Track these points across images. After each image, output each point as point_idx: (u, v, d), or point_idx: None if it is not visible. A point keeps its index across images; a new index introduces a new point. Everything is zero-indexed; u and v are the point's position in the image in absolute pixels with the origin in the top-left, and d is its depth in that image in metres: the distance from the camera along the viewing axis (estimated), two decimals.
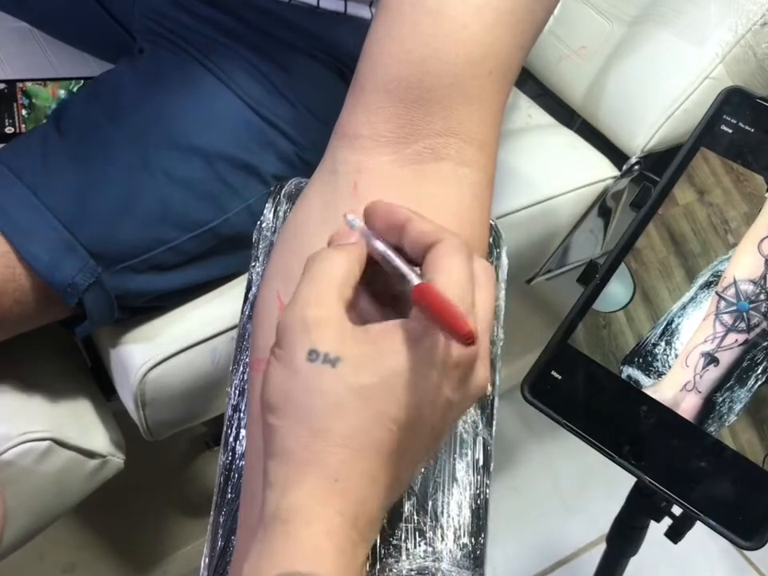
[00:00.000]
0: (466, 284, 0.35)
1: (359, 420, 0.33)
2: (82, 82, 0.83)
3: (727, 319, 0.49)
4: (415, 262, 0.37)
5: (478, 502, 0.48)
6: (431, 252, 0.36)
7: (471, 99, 0.45)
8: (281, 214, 0.55)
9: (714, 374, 0.48)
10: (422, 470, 0.47)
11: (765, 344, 0.48)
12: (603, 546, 0.70)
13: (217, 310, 0.70)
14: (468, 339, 0.32)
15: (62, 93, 0.82)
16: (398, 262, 0.37)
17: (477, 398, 0.37)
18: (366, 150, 0.45)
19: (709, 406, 0.48)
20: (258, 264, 0.53)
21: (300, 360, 0.33)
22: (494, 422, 0.50)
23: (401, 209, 0.38)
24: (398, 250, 0.38)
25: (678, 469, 0.47)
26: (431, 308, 0.33)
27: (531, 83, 0.97)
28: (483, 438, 0.49)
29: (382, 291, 0.40)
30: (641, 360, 0.50)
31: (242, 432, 0.48)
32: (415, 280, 0.35)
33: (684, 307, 0.50)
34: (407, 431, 0.34)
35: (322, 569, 0.31)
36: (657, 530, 0.60)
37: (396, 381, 0.33)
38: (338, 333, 0.34)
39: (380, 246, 0.38)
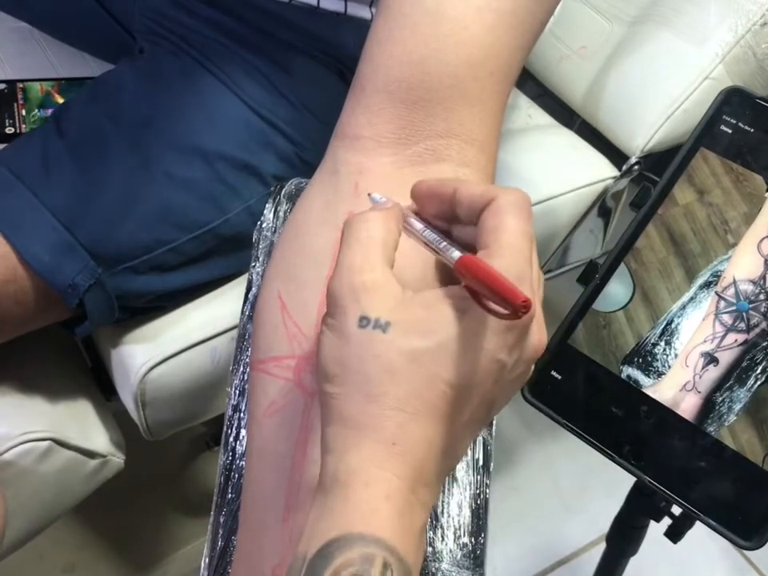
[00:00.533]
0: (522, 241, 0.34)
1: (413, 383, 0.33)
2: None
3: (727, 319, 0.49)
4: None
5: (478, 501, 0.48)
6: (483, 215, 0.35)
7: (472, 100, 0.45)
8: (281, 214, 0.55)
9: (713, 373, 0.48)
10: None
11: (764, 344, 0.48)
12: (603, 546, 0.70)
13: (217, 310, 0.70)
14: (525, 307, 0.31)
15: (51, 90, 0.82)
16: (434, 235, 0.36)
17: (532, 361, 0.37)
18: (367, 150, 0.45)
19: (708, 406, 0.48)
20: (258, 264, 0.53)
21: (352, 327, 0.33)
22: (494, 422, 0.50)
23: (447, 180, 0.38)
24: (446, 232, 0.38)
25: (677, 469, 0.47)
26: (477, 279, 0.32)
27: (531, 83, 0.97)
28: (483, 438, 0.49)
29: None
30: (640, 360, 0.50)
31: (242, 432, 0.48)
32: (456, 252, 0.35)
33: (684, 307, 0.50)
34: (461, 394, 0.34)
35: (380, 531, 0.31)
36: (657, 529, 0.60)
37: (449, 343, 0.33)
38: (387, 297, 0.34)
39: (416, 224, 0.38)
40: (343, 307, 0.34)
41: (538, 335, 0.36)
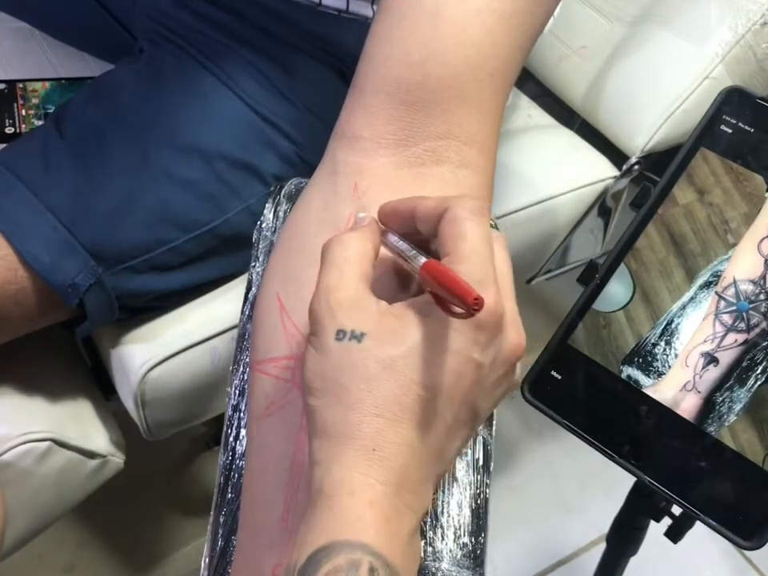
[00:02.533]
0: (481, 244, 0.35)
1: (389, 389, 0.34)
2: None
3: (727, 319, 0.49)
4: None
5: (478, 501, 0.48)
6: (440, 225, 0.36)
7: (471, 102, 0.45)
8: (281, 214, 0.55)
9: (713, 373, 0.48)
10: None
11: (764, 344, 0.48)
12: (603, 546, 0.70)
13: (217, 310, 0.70)
14: (476, 304, 0.32)
15: (52, 92, 0.82)
16: (406, 245, 0.38)
17: (511, 361, 0.37)
18: (366, 151, 0.45)
19: (709, 406, 0.48)
20: (258, 264, 0.53)
21: (330, 341, 0.35)
22: (494, 422, 0.50)
23: (407, 199, 0.39)
24: (425, 245, 0.39)
25: (677, 469, 0.47)
26: (436, 282, 0.33)
27: (531, 83, 0.97)
28: (483, 438, 0.49)
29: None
30: (641, 360, 0.50)
31: (242, 432, 0.48)
32: (421, 260, 0.36)
33: (684, 307, 0.50)
34: (437, 396, 0.34)
35: (365, 536, 0.32)
36: (657, 529, 0.60)
37: (421, 347, 0.34)
38: (361, 310, 0.35)
39: (391, 237, 0.39)
40: (322, 324, 0.35)
41: (516, 334, 0.37)
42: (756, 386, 0.47)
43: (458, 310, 0.33)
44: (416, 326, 0.35)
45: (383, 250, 0.40)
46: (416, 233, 0.39)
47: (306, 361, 0.36)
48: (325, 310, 0.35)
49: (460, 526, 0.47)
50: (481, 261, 0.35)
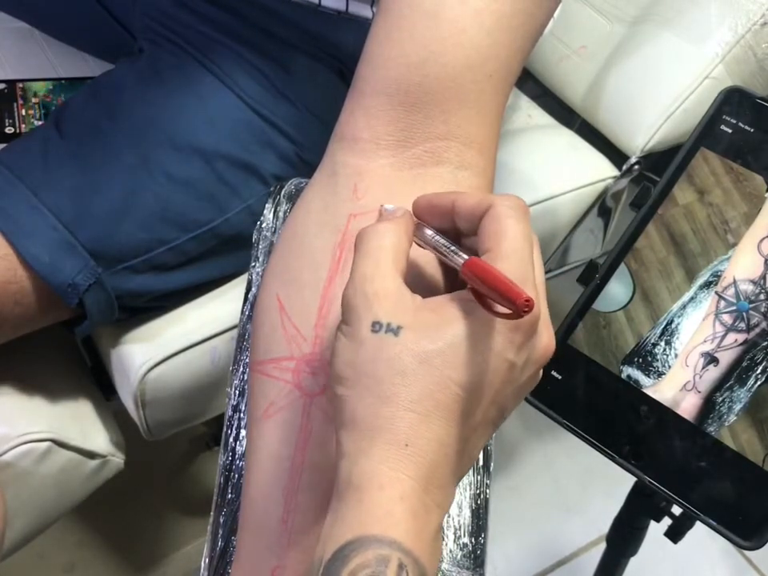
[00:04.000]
0: (522, 242, 0.35)
1: (424, 385, 0.33)
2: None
3: (727, 319, 0.49)
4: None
5: (478, 501, 0.48)
6: (482, 221, 0.36)
7: (471, 103, 0.45)
8: (281, 214, 0.55)
9: (713, 373, 0.48)
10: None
11: (764, 344, 0.48)
12: (603, 546, 0.70)
13: (217, 310, 0.70)
14: (527, 306, 0.32)
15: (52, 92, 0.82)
16: (445, 241, 0.38)
17: (542, 362, 0.37)
18: (365, 153, 0.45)
19: (709, 406, 0.48)
20: (258, 264, 0.53)
21: (365, 332, 0.34)
22: None
23: (444, 194, 0.39)
24: (456, 241, 0.39)
25: (677, 469, 0.47)
26: (482, 281, 0.33)
27: (531, 83, 0.97)
28: None
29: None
30: (641, 360, 0.50)
31: (242, 432, 0.48)
32: (463, 256, 0.36)
33: (684, 307, 0.50)
34: (472, 394, 0.34)
35: (395, 532, 0.31)
36: (657, 529, 0.60)
37: (459, 345, 0.34)
38: (398, 303, 0.35)
39: (427, 232, 0.39)
40: (357, 314, 0.35)
41: (547, 336, 0.37)
42: (756, 386, 0.47)
43: (503, 309, 0.33)
44: (455, 322, 0.34)
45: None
46: (450, 228, 0.39)
47: (336, 349, 0.36)
48: (360, 299, 0.35)
49: (460, 527, 0.47)
50: (521, 259, 0.35)
